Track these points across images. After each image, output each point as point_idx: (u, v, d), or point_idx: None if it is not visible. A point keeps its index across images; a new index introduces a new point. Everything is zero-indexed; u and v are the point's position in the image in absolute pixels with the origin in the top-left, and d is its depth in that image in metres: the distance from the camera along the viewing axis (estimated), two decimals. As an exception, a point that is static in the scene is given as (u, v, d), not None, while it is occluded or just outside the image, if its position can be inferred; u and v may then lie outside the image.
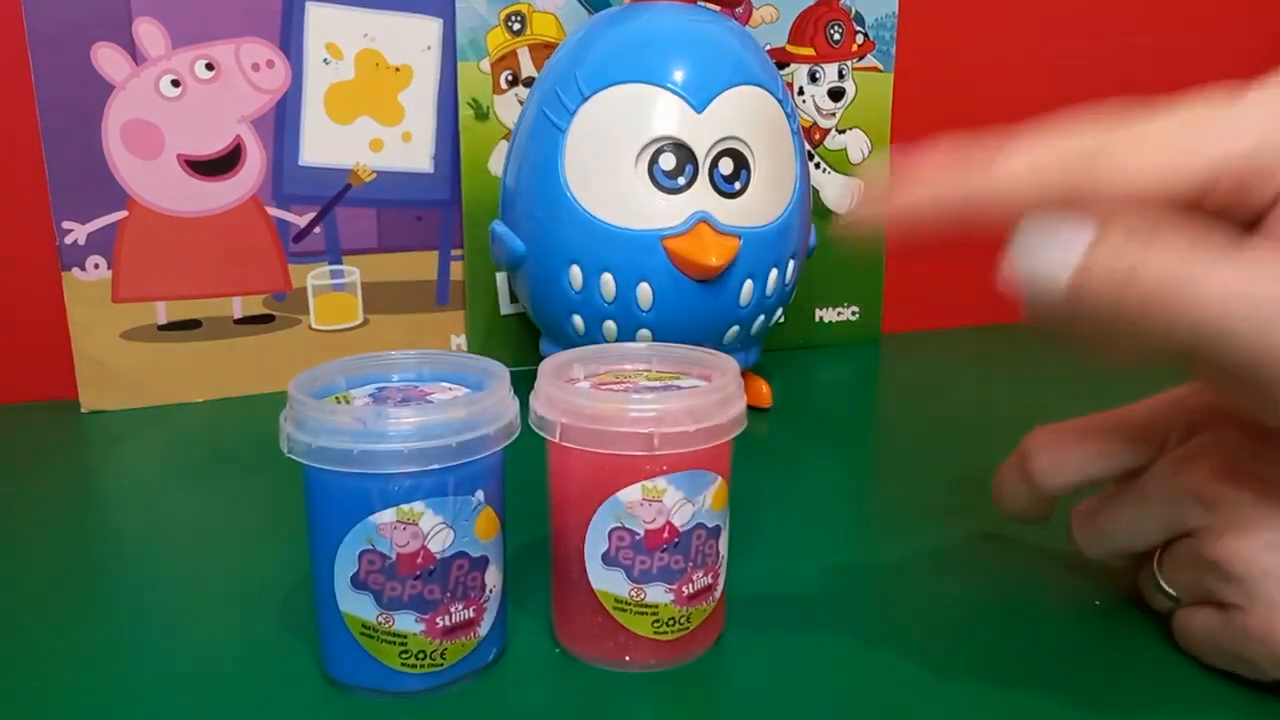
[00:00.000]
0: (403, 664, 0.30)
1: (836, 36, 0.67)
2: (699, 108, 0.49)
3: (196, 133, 0.57)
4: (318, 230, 0.60)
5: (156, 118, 0.56)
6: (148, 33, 0.55)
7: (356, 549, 0.29)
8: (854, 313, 0.73)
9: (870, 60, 0.68)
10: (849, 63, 0.68)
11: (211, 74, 0.56)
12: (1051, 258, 0.26)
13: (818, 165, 0.69)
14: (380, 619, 0.30)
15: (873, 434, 0.57)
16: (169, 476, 0.50)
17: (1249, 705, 0.31)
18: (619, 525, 0.31)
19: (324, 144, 0.59)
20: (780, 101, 0.53)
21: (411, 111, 0.61)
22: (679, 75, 0.49)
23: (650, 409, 0.30)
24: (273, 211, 0.59)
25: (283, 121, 0.58)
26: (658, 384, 0.33)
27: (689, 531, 0.31)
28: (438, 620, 0.30)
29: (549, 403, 0.31)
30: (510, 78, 0.62)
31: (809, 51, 0.67)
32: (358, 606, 0.30)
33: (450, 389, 0.33)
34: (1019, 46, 0.79)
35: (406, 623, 0.30)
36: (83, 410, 0.58)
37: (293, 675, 0.32)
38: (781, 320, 0.69)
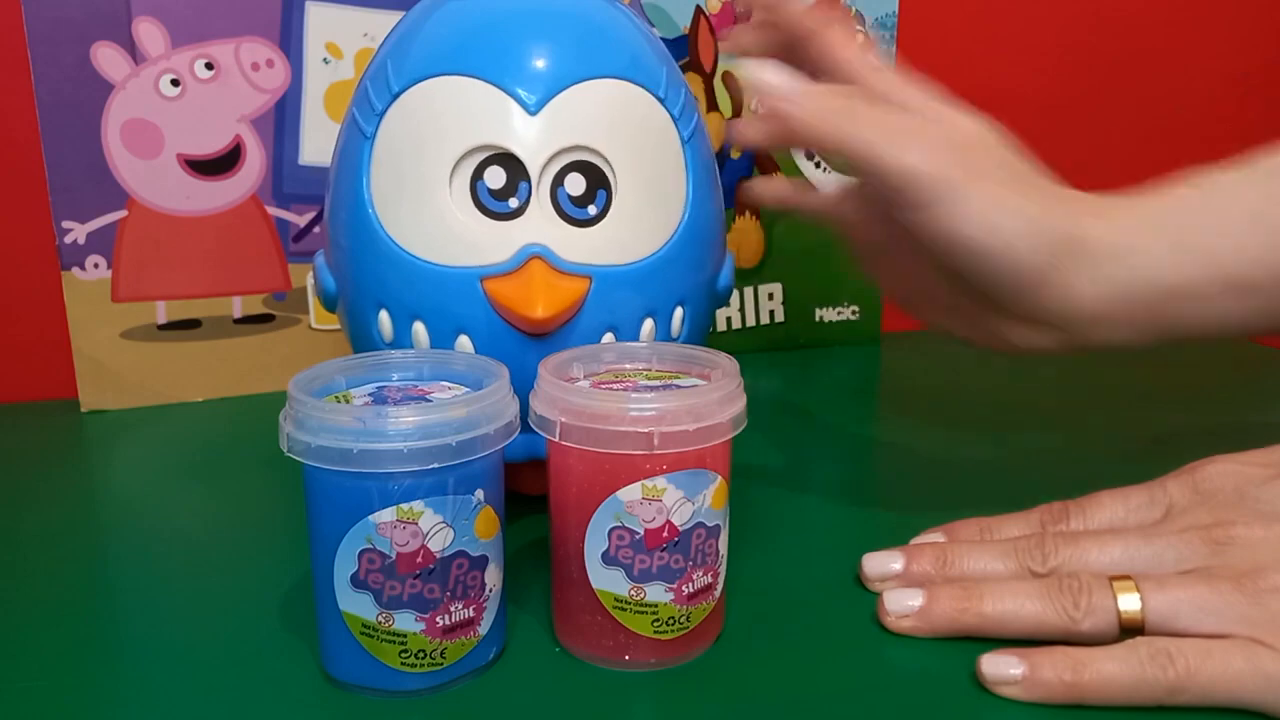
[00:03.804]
0: (402, 663, 0.30)
1: (836, 36, 0.67)
2: (533, 108, 0.38)
3: (196, 132, 0.57)
4: (317, 230, 0.60)
5: (156, 117, 0.56)
6: (147, 32, 0.55)
7: (356, 548, 0.29)
8: (854, 312, 0.73)
9: (870, 60, 0.68)
10: (849, 62, 0.68)
11: (211, 73, 0.56)
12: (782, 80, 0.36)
13: (818, 165, 0.69)
14: (380, 618, 0.30)
15: (873, 434, 0.57)
16: (169, 476, 0.50)
17: None
18: (619, 524, 0.31)
19: (324, 143, 0.59)
20: (661, 100, 0.40)
21: (411, 111, 0.61)
22: (512, 66, 0.38)
23: (650, 408, 0.30)
24: (272, 211, 0.59)
25: (282, 121, 0.58)
26: (657, 383, 0.33)
27: (689, 531, 0.31)
28: (437, 619, 0.30)
29: (549, 402, 0.31)
30: (510, 77, 0.61)
31: (809, 51, 0.67)
32: (357, 606, 0.30)
33: (450, 388, 0.33)
34: (1019, 46, 0.79)
35: (406, 622, 0.30)
36: (82, 410, 0.58)
37: (293, 675, 0.32)
38: (781, 321, 0.69)
